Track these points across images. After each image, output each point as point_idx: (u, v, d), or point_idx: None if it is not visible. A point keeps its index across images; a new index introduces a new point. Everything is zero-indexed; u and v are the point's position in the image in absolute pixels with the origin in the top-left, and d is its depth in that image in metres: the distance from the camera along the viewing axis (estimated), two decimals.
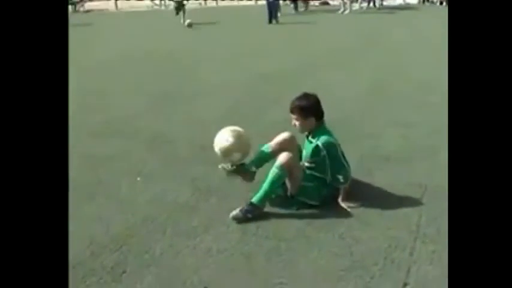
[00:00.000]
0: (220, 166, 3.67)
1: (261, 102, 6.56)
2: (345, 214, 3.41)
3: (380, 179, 3.91)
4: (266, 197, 3.44)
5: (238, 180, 3.71)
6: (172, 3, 18.11)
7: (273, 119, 5.53)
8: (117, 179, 4.14)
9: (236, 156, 3.56)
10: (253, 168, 3.68)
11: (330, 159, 3.47)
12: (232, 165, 3.62)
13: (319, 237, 3.15)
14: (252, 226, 3.29)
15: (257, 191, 3.45)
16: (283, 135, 3.68)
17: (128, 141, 5.13)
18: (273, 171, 3.42)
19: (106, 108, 6.50)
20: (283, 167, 3.40)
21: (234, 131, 3.57)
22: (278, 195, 3.59)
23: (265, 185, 3.44)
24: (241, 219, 3.35)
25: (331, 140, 3.50)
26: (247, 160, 3.67)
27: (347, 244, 3.06)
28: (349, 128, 5.18)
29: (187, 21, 16.08)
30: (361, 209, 3.46)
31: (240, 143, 3.54)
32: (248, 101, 6.66)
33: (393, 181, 3.86)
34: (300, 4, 21.00)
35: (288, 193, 3.58)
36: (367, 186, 3.82)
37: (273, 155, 3.62)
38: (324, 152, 3.46)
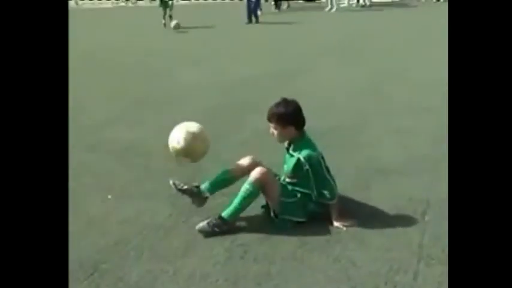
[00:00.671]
0: (171, 182, 3.70)
1: (241, 108, 6.57)
2: (340, 233, 3.41)
3: (377, 194, 3.93)
4: (236, 212, 3.49)
5: (221, 199, 3.70)
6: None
7: (255, 126, 5.53)
8: (84, 196, 4.08)
9: (184, 160, 3.61)
10: (207, 194, 3.69)
11: (314, 174, 3.49)
12: (184, 186, 3.66)
13: (312, 259, 3.15)
14: (238, 248, 3.27)
15: (227, 206, 3.50)
16: (245, 161, 3.71)
17: (96, 154, 5.09)
18: (244, 188, 3.47)
19: (69, 116, 6.39)
20: (254, 184, 3.44)
21: (188, 133, 3.55)
22: (264, 216, 3.62)
23: (235, 201, 3.49)
24: (208, 233, 3.41)
25: (314, 153, 3.51)
26: (202, 182, 3.71)
27: (343, 267, 3.05)
28: (341, 137, 5.22)
29: (174, 22, 14.89)
30: (358, 227, 3.46)
31: (191, 149, 3.54)
32: (228, 107, 6.67)
33: (392, 196, 3.88)
34: (283, 2, 21.05)
35: (271, 213, 3.58)
36: (363, 201, 3.83)
37: (232, 180, 3.70)
38: (306, 167, 3.48)
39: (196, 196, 3.68)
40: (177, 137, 3.55)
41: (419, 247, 3.21)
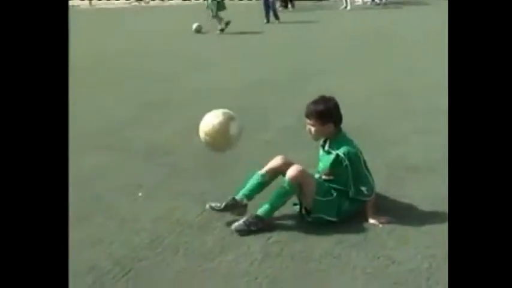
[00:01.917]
0: (207, 205, 3.65)
1: (264, 108, 6.60)
2: (376, 231, 3.42)
3: (411, 191, 3.94)
4: (272, 210, 3.52)
5: (256, 196, 3.68)
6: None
7: (279, 126, 5.58)
8: (115, 195, 4.13)
9: (206, 139, 3.67)
10: (245, 201, 3.66)
11: (353, 170, 3.50)
12: (222, 205, 3.61)
13: (351, 257, 3.15)
14: (274, 246, 3.29)
15: (263, 204, 3.52)
16: (276, 161, 3.69)
17: (121, 154, 5.13)
18: (281, 186, 3.50)
19: (87, 117, 6.41)
20: (291, 182, 3.46)
21: (220, 124, 3.65)
22: (297, 214, 3.64)
23: (271, 198, 3.51)
24: (245, 232, 3.43)
25: (354, 149, 3.53)
26: (238, 193, 3.66)
27: (383, 264, 3.06)
28: (368, 136, 5.20)
29: (196, 24, 14.53)
30: (394, 225, 3.47)
31: (217, 136, 3.63)
32: (250, 107, 6.68)
33: (426, 193, 3.89)
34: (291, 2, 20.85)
35: (303, 210, 3.60)
36: (398, 199, 3.84)
37: (267, 183, 3.68)
38: (346, 162, 3.49)
39: (236, 207, 3.63)
40: (210, 121, 3.69)
41: None
